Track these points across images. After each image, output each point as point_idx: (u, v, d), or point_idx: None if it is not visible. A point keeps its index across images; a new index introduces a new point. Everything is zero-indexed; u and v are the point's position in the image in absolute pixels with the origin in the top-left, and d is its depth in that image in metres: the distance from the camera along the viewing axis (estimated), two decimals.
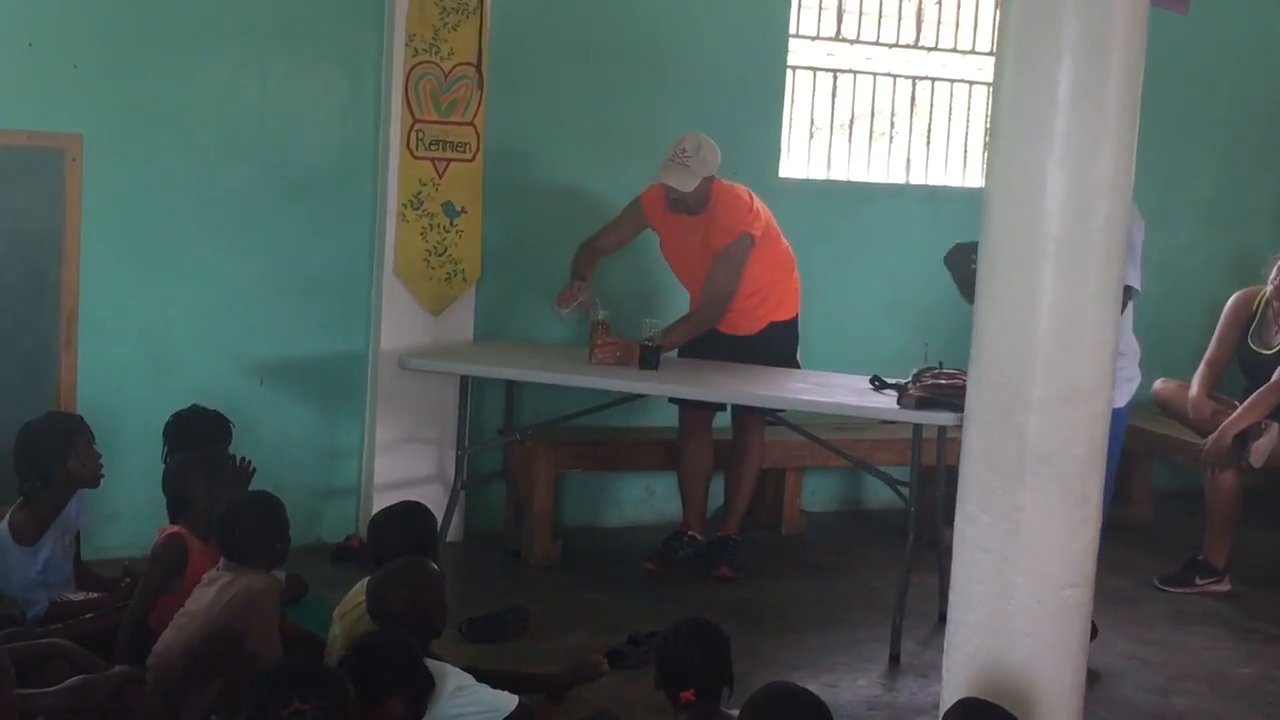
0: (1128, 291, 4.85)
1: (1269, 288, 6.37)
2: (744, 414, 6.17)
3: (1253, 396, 6.23)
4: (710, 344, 6.09)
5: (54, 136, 5.69)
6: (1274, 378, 6.19)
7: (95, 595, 4.83)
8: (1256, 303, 6.48)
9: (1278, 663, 5.50)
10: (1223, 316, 6.58)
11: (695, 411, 6.22)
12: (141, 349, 5.94)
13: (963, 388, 4.07)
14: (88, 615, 4.62)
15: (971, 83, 7.58)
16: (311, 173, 6.18)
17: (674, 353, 6.07)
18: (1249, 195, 8.09)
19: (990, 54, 7.30)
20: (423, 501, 4.72)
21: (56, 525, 4.83)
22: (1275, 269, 6.35)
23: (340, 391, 6.32)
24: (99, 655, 4.12)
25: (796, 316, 6.27)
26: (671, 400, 6.21)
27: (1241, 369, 6.51)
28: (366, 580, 4.24)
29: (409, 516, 4.54)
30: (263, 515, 4.37)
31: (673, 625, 3.93)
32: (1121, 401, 4.98)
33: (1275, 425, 6.17)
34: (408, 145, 6.18)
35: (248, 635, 4.06)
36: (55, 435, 4.85)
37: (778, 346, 6.19)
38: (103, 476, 4.97)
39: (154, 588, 4.52)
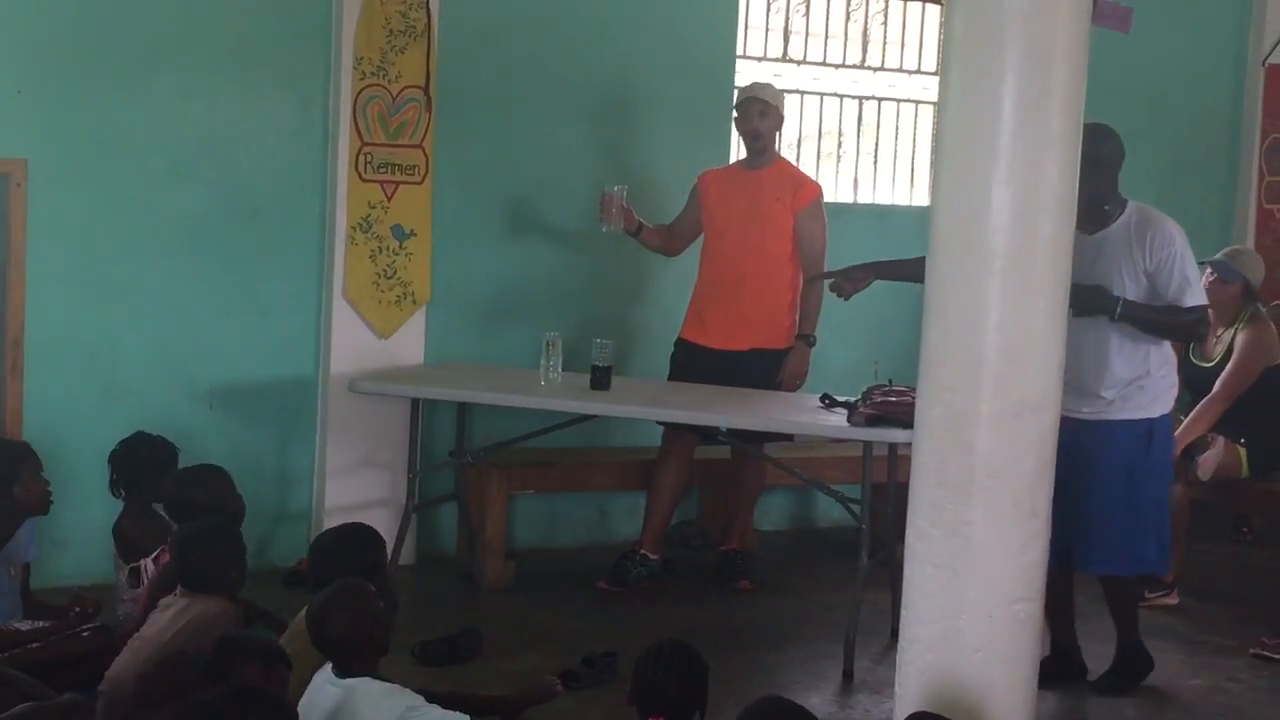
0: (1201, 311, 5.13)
1: None
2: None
3: (1196, 410, 6.30)
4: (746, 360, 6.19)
5: None
6: (1214, 389, 6.26)
7: (43, 624, 4.78)
8: None
9: (1227, 674, 5.55)
10: None
11: (677, 433, 6.23)
12: (89, 375, 5.89)
13: (912, 405, 4.10)
14: (35, 644, 4.57)
15: (918, 102, 7.64)
16: (260, 196, 6.15)
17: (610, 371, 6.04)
18: (1192, 213, 8.11)
19: (935, 74, 7.36)
20: (373, 525, 4.66)
21: (4, 554, 4.78)
22: (1204, 281, 6.42)
23: (290, 415, 6.29)
24: (48, 684, 4.09)
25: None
26: (658, 422, 6.21)
27: (1185, 384, 6.55)
28: (305, 610, 4.21)
29: (349, 539, 4.49)
30: (217, 542, 4.35)
31: (654, 645, 3.89)
32: (1168, 407, 5.20)
33: (1221, 438, 6.23)
34: (356, 168, 6.17)
35: (201, 661, 4.03)
36: (1, 463, 4.81)
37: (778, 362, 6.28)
38: (51, 503, 4.92)
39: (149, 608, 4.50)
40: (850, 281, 5.75)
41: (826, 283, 5.89)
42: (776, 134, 6.37)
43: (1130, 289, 5.05)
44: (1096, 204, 5.09)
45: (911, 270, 5.62)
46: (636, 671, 3.87)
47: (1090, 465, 5.11)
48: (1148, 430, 5.12)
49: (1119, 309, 5.00)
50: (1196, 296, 5.09)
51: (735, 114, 6.32)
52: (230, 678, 3.53)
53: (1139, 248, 5.05)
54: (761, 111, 6.19)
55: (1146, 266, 5.04)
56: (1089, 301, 4.95)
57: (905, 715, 3.70)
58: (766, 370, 6.20)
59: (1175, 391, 5.27)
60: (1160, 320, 5.06)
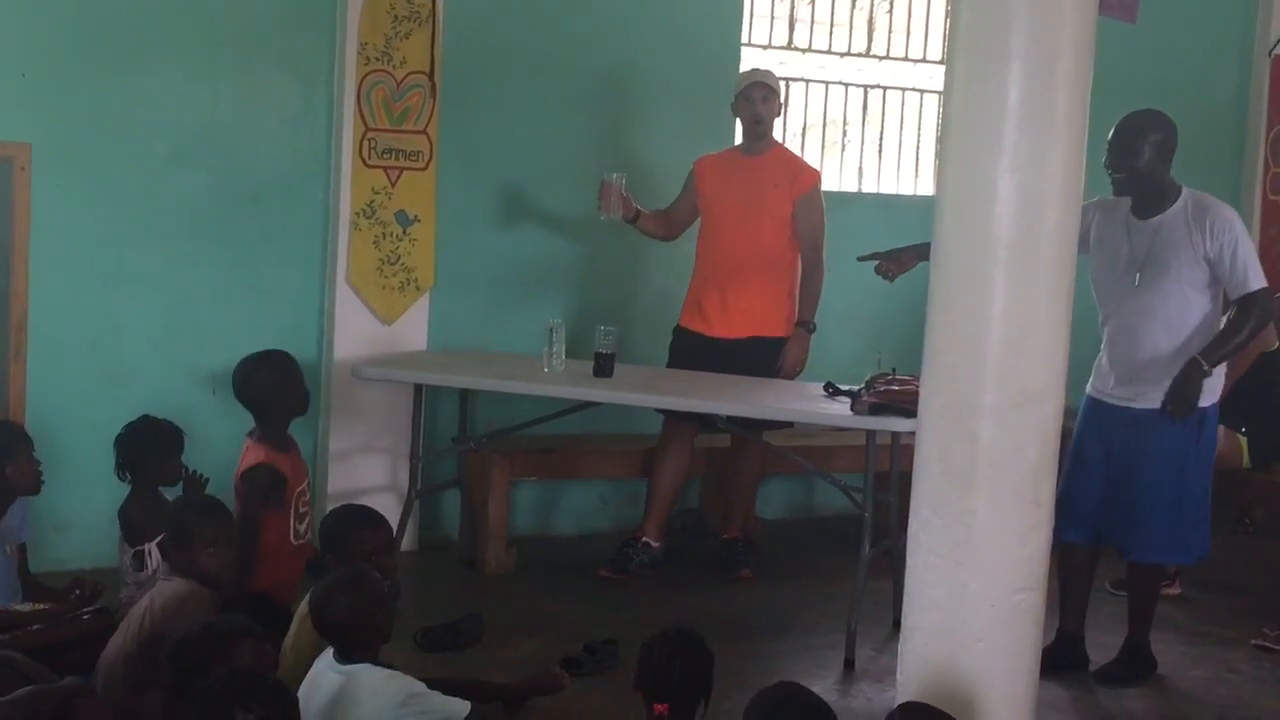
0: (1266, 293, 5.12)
1: None
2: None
3: None
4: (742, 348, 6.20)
5: (2, 145, 5.63)
6: None
7: (43, 606, 4.78)
8: None
9: (1228, 665, 5.55)
10: None
11: (678, 421, 6.22)
12: (91, 360, 5.90)
13: (915, 394, 4.09)
14: (36, 626, 4.57)
15: (923, 91, 7.63)
16: (263, 182, 6.15)
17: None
18: None
19: (941, 63, 7.35)
20: (378, 510, 4.69)
21: None
22: None
23: None
24: (49, 667, 4.09)
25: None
26: (659, 410, 6.20)
27: None
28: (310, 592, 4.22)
29: (356, 521, 4.51)
30: (201, 520, 4.35)
31: (659, 633, 3.89)
32: (1217, 397, 5.20)
33: (1221, 428, 6.20)
34: (360, 154, 6.16)
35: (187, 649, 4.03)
36: None
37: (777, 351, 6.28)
38: (42, 484, 4.93)
39: (254, 518, 4.82)
40: (896, 263, 5.75)
41: (871, 265, 5.83)
42: (776, 121, 6.36)
43: (1187, 275, 5.08)
44: (1156, 189, 5.12)
45: None
46: (641, 658, 3.87)
47: (1141, 455, 5.14)
48: (1199, 420, 5.15)
49: (1207, 366, 5.04)
50: (1260, 278, 5.10)
51: (735, 99, 6.29)
52: (221, 663, 3.51)
53: (1199, 233, 5.06)
54: (764, 97, 6.19)
55: (1208, 252, 5.06)
56: (1187, 388, 5.02)
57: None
58: (765, 358, 6.20)
59: (1223, 381, 5.26)
60: (1238, 340, 5.11)
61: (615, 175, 6.14)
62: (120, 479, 5.08)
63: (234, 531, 4.45)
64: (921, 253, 5.65)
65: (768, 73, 6.37)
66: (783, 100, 6.38)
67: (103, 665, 4.19)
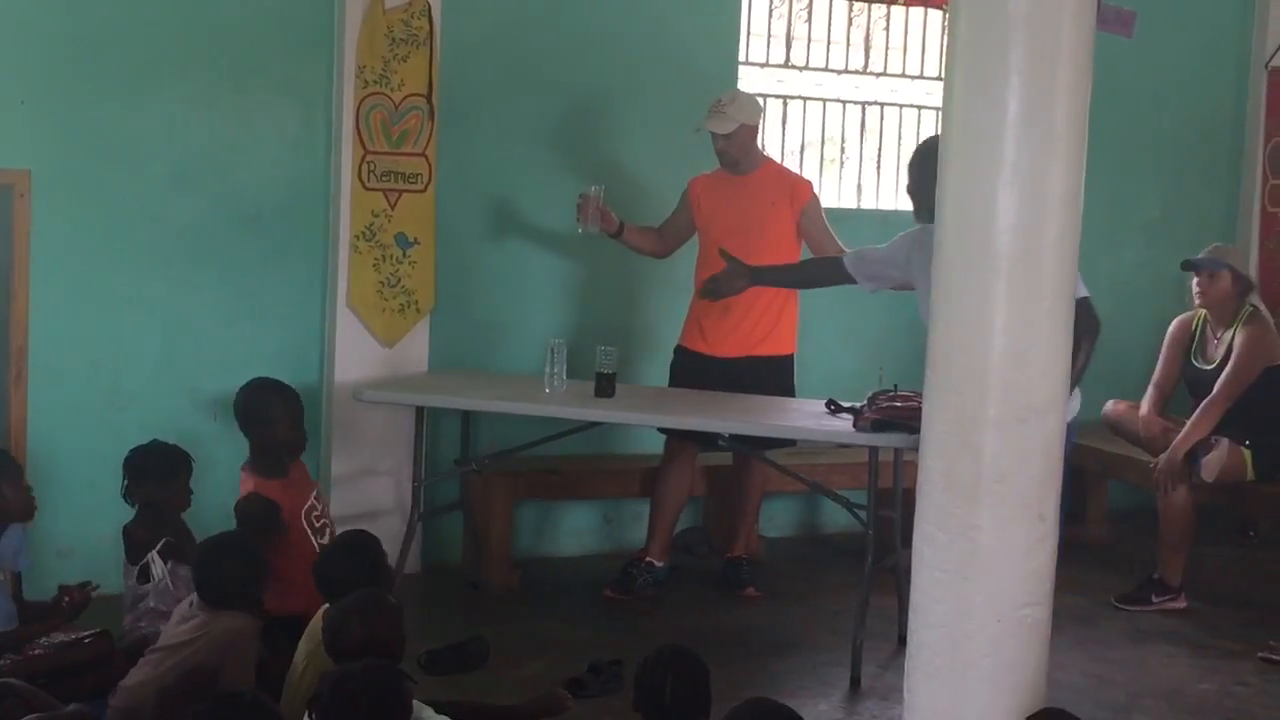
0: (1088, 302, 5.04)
1: (1196, 300, 6.46)
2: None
3: (1197, 412, 6.30)
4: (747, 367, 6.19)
5: (2, 172, 5.63)
6: (1214, 391, 6.25)
7: (36, 625, 4.76)
8: (1194, 324, 6.57)
9: (1235, 678, 5.54)
10: (1165, 342, 6.68)
11: (680, 440, 6.22)
12: (92, 385, 5.89)
13: (918, 410, 4.09)
14: (36, 651, 4.56)
15: (921, 107, 7.64)
16: (263, 205, 6.15)
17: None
18: (1196, 215, 8.17)
19: (938, 79, 7.36)
20: (379, 534, 4.65)
21: None
22: (1194, 282, 6.46)
23: None
24: (52, 694, 4.08)
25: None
26: (660, 429, 6.19)
27: (1188, 389, 6.57)
28: (322, 610, 4.21)
29: (353, 549, 4.49)
30: (238, 558, 4.36)
31: (653, 651, 3.88)
32: (1075, 414, 5.12)
33: (1224, 440, 6.22)
34: (359, 177, 6.16)
35: (223, 675, 4.03)
36: None
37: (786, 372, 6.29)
38: (35, 509, 4.90)
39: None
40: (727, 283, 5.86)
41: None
42: (755, 139, 6.31)
43: None
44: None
45: (789, 277, 6.04)
46: (637, 678, 3.87)
47: None
48: None
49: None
50: (1081, 286, 4.86)
51: None
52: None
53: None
54: (726, 136, 6.15)
55: None
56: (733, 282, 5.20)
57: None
58: (767, 376, 6.18)
59: (1081, 402, 5.27)
60: (1086, 355, 5.01)
61: (594, 188, 6.15)
62: (126, 502, 5.07)
63: (263, 561, 4.45)
64: (757, 276, 5.85)
65: (719, 115, 6.13)
66: (755, 121, 6.25)
67: (124, 694, 4.16)
